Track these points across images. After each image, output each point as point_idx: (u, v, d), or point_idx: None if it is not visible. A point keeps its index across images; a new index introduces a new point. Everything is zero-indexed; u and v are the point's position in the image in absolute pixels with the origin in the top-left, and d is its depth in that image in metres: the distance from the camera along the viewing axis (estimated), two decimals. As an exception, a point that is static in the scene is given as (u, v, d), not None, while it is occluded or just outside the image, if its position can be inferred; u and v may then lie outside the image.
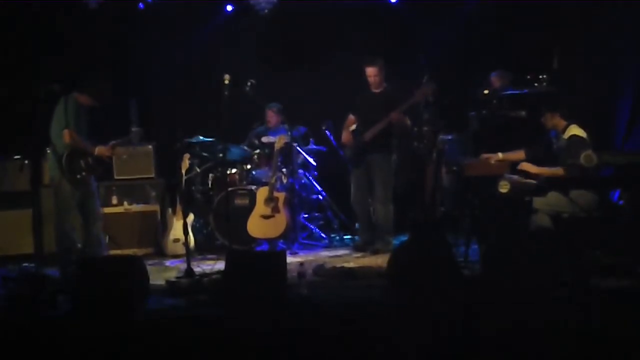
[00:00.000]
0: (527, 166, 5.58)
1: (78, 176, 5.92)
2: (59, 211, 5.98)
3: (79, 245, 6.05)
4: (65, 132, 5.85)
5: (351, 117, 6.88)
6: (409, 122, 6.54)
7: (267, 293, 4.54)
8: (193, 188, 7.43)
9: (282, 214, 6.73)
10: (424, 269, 4.56)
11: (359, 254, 6.63)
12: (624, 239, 5.22)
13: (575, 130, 5.54)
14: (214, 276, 5.42)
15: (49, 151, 6.06)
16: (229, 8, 8.32)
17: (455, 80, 7.31)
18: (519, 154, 5.76)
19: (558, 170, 5.46)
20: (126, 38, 7.94)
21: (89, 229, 6.08)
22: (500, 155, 5.77)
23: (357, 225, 7.12)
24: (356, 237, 7.11)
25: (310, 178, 7.50)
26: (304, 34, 8.00)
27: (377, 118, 6.52)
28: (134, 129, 6.29)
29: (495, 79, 6.78)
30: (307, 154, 7.41)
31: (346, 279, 5.53)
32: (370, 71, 6.61)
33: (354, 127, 6.83)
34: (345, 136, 6.84)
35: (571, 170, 5.33)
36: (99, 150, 6.01)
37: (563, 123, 5.64)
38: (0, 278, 5.47)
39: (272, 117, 7.58)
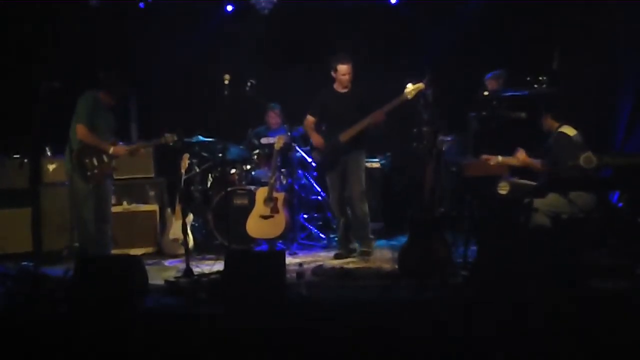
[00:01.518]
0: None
1: (88, 173, 5.93)
2: (75, 208, 6.03)
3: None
4: (78, 127, 5.90)
5: (310, 117, 6.62)
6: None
7: (266, 293, 4.54)
8: (192, 188, 7.43)
9: (281, 214, 6.73)
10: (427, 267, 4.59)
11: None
12: (623, 240, 5.23)
13: (564, 129, 5.57)
14: (212, 276, 5.42)
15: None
16: (229, 8, 8.33)
17: (456, 80, 7.32)
18: (536, 164, 5.76)
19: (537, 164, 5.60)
20: (126, 37, 7.95)
21: (97, 229, 6.11)
22: (499, 158, 5.77)
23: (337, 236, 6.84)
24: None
25: (310, 178, 7.50)
26: (304, 34, 8.01)
27: (349, 118, 6.33)
28: (166, 134, 6.29)
29: (490, 82, 6.75)
30: (306, 154, 7.40)
31: (345, 279, 5.53)
32: (345, 69, 6.37)
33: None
34: (317, 139, 6.54)
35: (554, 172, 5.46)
36: (115, 149, 6.03)
37: (556, 124, 5.67)
38: (-1, 276, 5.47)
39: (273, 118, 7.58)
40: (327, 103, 6.53)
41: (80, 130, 5.88)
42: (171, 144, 6.28)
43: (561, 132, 5.57)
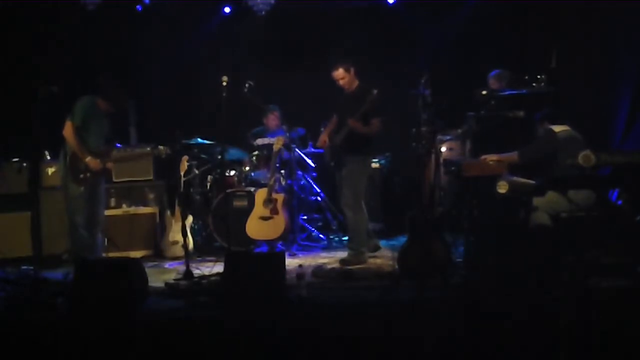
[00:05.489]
0: (489, 157, 5.72)
1: (81, 176, 5.97)
2: (70, 213, 6.04)
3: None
4: (67, 123, 5.94)
5: (334, 118, 6.57)
6: (365, 128, 6.12)
7: (266, 294, 4.54)
8: (192, 190, 7.42)
9: (281, 215, 6.73)
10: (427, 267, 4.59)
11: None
12: (623, 238, 5.23)
13: (553, 127, 5.62)
14: (213, 278, 5.42)
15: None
16: (227, 10, 8.34)
17: (454, 80, 7.31)
18: (512, 156, 5.76)
19: (513, 156, 5.65)
20: (124, 40, 7.95)
21: (89, 233, 6.12)
22: (495, 156, 5.77)
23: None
24: None
25: (309, 179, 7.50)
26: (302, 35, 8.01)
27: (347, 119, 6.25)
28: (160, 146, 6.38)
29: (493, 81, 6.75)
30: (305, 155, 7.40)
31: (345, 280, 5.53)
32: (335, 75, 6.30)
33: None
34: (320, 139, 6.52)
35: (523, 155, 5.57)
36: (89, 161, 6.01)
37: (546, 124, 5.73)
38: (-1, 281, 5.48)
39: (273, 120, 7.56)
40: (339, 103, 6.48)
41: (66, 128, 5.93)
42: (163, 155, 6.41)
43: (549, 128, 5.64)
